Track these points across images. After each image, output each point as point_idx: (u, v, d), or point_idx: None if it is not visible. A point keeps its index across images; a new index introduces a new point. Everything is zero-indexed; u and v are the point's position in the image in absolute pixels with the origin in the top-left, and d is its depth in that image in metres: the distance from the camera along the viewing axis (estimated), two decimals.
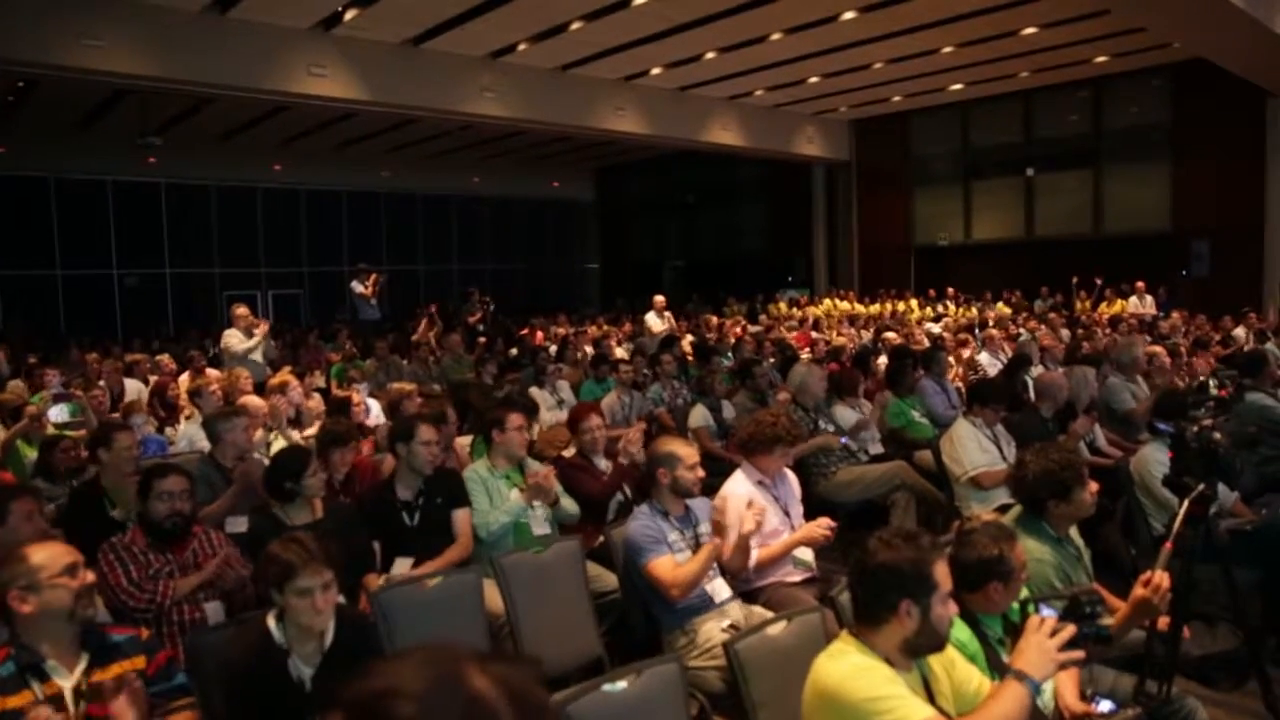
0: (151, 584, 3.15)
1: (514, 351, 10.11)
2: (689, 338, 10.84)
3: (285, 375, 6.25)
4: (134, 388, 7.17)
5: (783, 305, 16.23)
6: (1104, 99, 15.46)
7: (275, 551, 2.47)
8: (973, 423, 4.98)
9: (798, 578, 3.69)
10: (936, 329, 11.72)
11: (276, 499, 3.63)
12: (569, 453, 4.93)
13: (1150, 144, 15.00)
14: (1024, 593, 2.52)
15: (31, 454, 4.90)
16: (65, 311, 16.61)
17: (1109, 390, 6.05)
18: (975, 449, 4.82)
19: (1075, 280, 14.02)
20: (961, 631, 2.36)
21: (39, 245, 16.71)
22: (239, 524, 3.76)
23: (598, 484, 4.42)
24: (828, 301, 16.22)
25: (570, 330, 12.04)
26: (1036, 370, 7.01)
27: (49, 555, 2.31)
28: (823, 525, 3.50)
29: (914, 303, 15.47)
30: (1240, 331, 10.15)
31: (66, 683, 2.24)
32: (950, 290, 15.46)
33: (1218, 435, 3.26)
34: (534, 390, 6.97)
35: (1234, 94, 13.03)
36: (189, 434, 5.45)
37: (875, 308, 15.34)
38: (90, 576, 2.35)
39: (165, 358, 7.91)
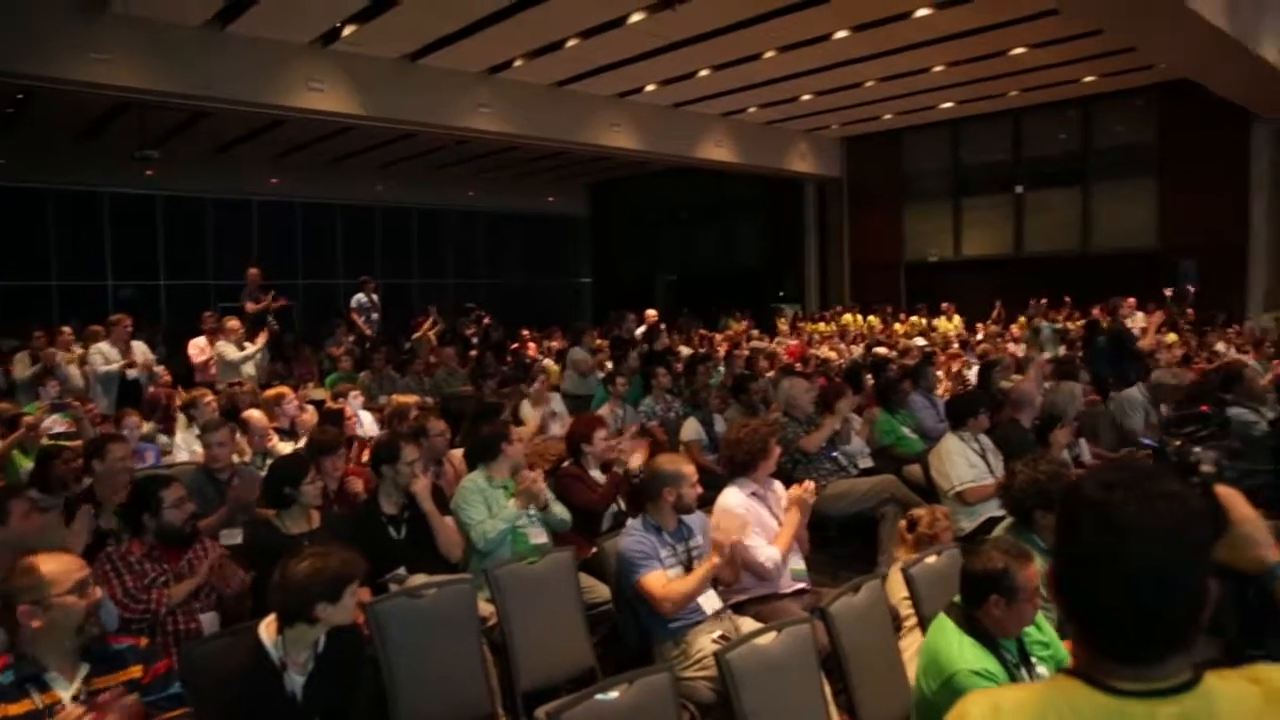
0: (147, 593, 3.18)
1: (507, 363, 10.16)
2: (684, 349, 10.90)
3: (280, 388, 6.31)
4: None
5: (782, 322, 16.05)
6: (1092, 118, 15.61)
7: (318, 565, 2.45)
8: (961, 437, 5.05)
9: (791, 588, 3.75)
10: (922, 342, 11.81)
11: (274, 506, 3.68)
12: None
13: (1137, 163, 15.13)
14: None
15: (27, 464, 4.92)
16: (59, 323, 16.53)
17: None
18: (963, 464, 4.88)
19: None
20: (988, 660, 2.31)
21: (34, 257, 16.69)
22: (234, 536, 3.81)
23: (593, 495, 4.47)
24: (848, 316, 15.89)
25: (566, 344, 12.07)
26: (1016, 378, 7.11)
27: (61, 569, 2.29)
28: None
29: (914, 319, 15.27)
30: (1222, 346, 10.25)
31: (66, 692, 2.26)
32: (944, 305, 15.52)
33: (1198, 449, 3.33)
34: (527, 403, 7.02)
35: (1218, 115, 13.18)
36: (188, 442, 5.50)
37: (875, 319, 15.30)
38: (98, 593, 2.36)
39: (161, 369, 7.94)
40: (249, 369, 8.14)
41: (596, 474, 4.61)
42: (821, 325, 15.39)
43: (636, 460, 4.58)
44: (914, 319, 15.18)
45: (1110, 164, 15.49)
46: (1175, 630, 1.10)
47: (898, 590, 3.30)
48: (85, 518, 3.59)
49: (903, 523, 3.93)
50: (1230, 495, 1.41)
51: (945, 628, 2.44)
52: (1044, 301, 13.08)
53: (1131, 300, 13.10)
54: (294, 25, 10.28)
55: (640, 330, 11.56)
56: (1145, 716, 1.08)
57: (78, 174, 16.55)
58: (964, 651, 2.33)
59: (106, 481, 4.05)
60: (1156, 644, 1.10)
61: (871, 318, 15.56)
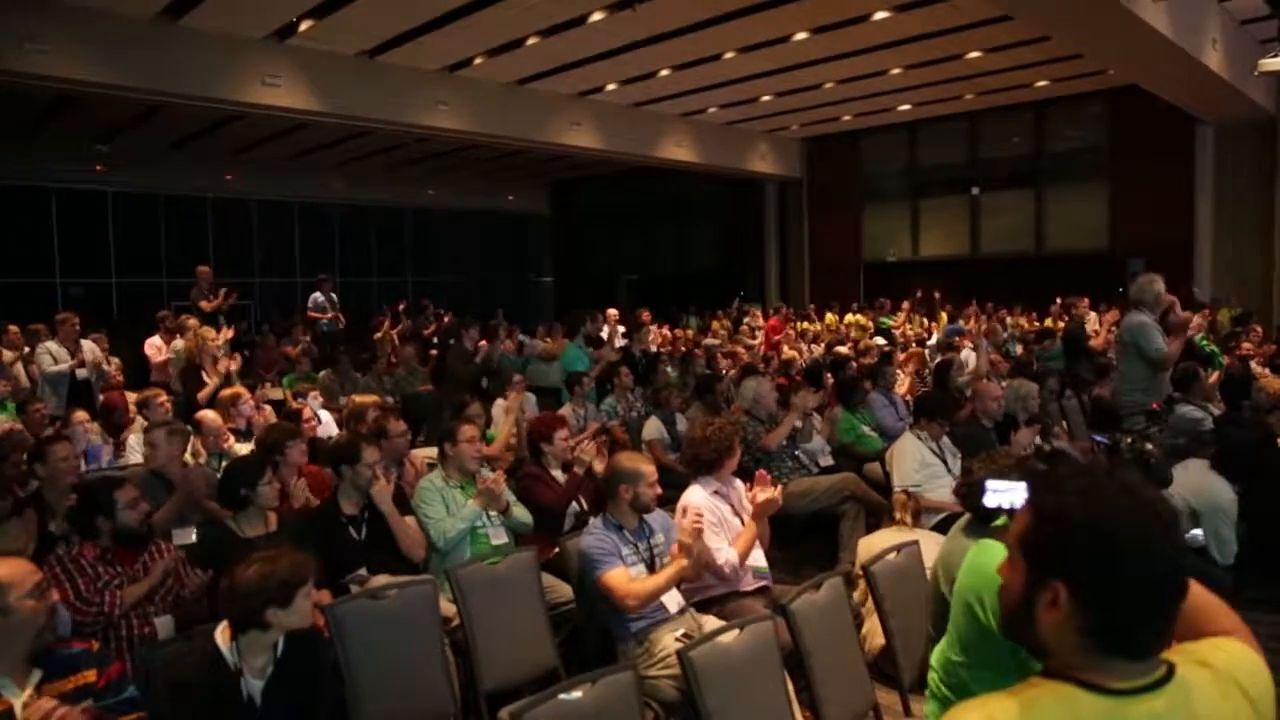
0: (99, 596, 3.12)
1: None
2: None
3: (236, 388, 6.20)
4: None
5: (747, 322, 16.00)
6: (1045, 122, 15.93)
7: (266, 570, 2.41)
8: (918, 436, 5.11)
9: (753, 585, 3.77)
10: (881, 341, 11.95)
11: (230, 507, 3.61)
12: None
13: (1088, 166, 15.48)
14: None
15: None
16: (5, 321, 16.05)
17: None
18: (910, 467, 4.94)
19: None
20: None
21: None
22: (188, 535, 3.74)
23: (554, 494, 4.46)
24: (830, 315, 15.74)
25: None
26: (970, 360, 7.22)
27: (19, 573, 2.26)
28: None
29: (902, 316, 15.05)
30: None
31: (18, 699, 2.21)
32: (905, 305, 15.67)
33: (1150, 446, 3.43)
34: (500, 401, 6.96)
35: (1165, 119, 13.50)
36: (141, 443, 5.39)
37: (857, 317, 15.30)
38: (55, 595, 2.32)
39: (113, 367, 7.77)
40: None
41: (558, 473, 4.60)
42: (805, 324, 15.40)
43: (599, 464, 4.58)
44: (917, 317, 15.08)
45: (1062, 166, 15.82)
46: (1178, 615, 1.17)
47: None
48: (28, 522, 3.50)
49: (900, 495, 4.30)
50: None
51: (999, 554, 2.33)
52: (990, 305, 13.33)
53: (1085, 300, 13.44)
54: (249, 19, 10.11)
55: (621, 329, 11.55)
56: (1143, 713, 1.11)
57: (23, 169, 16.08)
58: None
59: (52, 484, 3.96)
60: (1168, 633, 1.16)
61: (859, 317, 15.50)
